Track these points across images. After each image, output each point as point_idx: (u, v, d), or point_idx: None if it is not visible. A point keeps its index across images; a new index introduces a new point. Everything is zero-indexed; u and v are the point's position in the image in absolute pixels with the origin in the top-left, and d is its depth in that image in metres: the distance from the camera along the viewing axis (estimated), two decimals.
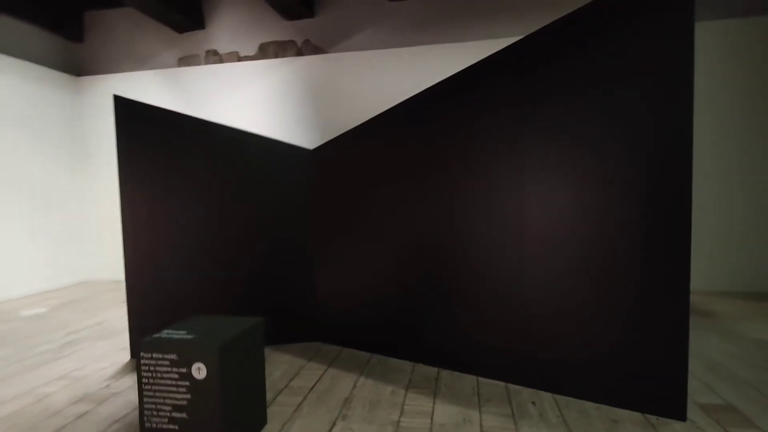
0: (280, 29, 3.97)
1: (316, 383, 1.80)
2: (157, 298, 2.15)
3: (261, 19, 4.00)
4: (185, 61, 4.17)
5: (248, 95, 4.03)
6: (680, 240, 1.40)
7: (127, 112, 2.10)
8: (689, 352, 2.02)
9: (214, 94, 4.09)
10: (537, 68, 1.62)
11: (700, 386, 1.68)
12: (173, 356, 1.22)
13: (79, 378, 1.94)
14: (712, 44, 3.20)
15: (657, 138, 1.42)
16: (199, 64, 4.14)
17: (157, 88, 4.21)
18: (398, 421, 1.47)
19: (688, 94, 1.38)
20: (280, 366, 2.00)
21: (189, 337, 1.27)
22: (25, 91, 3.88)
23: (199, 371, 1.21)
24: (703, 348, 2.09)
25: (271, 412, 1.57)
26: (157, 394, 1.24)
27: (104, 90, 4.33)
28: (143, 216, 2.13)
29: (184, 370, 1.22)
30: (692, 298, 3.07)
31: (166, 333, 1.31)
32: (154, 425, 1.25)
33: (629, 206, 1.48)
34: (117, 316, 3.00)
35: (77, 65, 4.39)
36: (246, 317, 1.47)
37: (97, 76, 4.33)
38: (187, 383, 1.22)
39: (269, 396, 1.70)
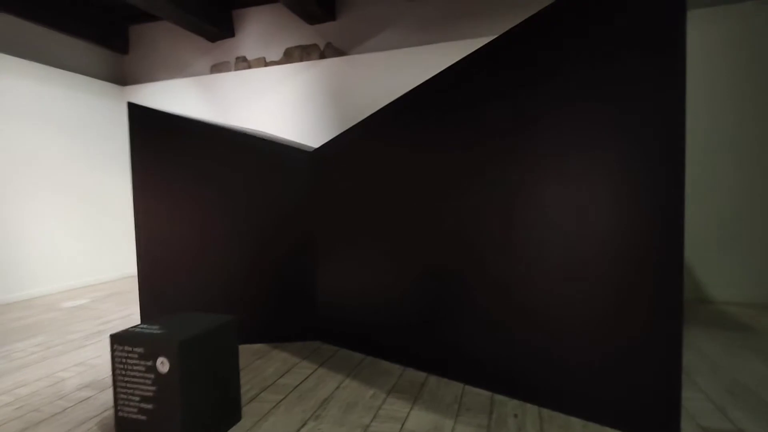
0: (303, 34, 4.06)
1: (302, 382, 1.82)
2: (166, 295, 2.27)
3: (286, 25, 4.11)
4: (217, 68, 4.38)
5: (274, 99, 4.15)
6: (672, 251, 1.27)
7: (141, 118, 2.24)
8: (715, 369, 1.83)
9: (243, 98, 4.26)
10: (543, 60, 1.53)
11: (712, 409, 1.51)
12: (141, 349, 1.28)
13: (94, 365, 2.09)
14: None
15: (648, 138, 1.30)
16: (230, 71, 4.32)
17: (191, 94, 4.45)
18: (368, 425, 1.45)
19: (681, 89, 1.24)
20: (274, 363, 2.04)
21: (158, 331, 1.33)
22: (76, 101, 4.26)
23: (162, 365, 1.26)
24: (732, 366, 1.88)
25: (251, 408, 1.60)
26: (128, 384, 1.31)
27: (145, 98, 4.64)
28: (154, 217, 2.26)
29: (149, 363, 1.28)
30: (734, 309, 2.77)
31: (140, 327, 1.38)
32: (125, 414, 1.32)
33: (620, 214, 1.36)
34: None
35: (123, 75, 4.75)
36: (223, 315, 1.51)
37: (140, 85, 4.66)
38: (153, 376, 1.27)
39: (254, 392, 1.74)
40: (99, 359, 2.17)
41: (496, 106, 1.61)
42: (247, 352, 2.20)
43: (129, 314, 3.06)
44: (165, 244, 2.26)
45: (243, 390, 1.76)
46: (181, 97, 4.49)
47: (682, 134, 1.25)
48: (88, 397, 1.73)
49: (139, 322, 2.85)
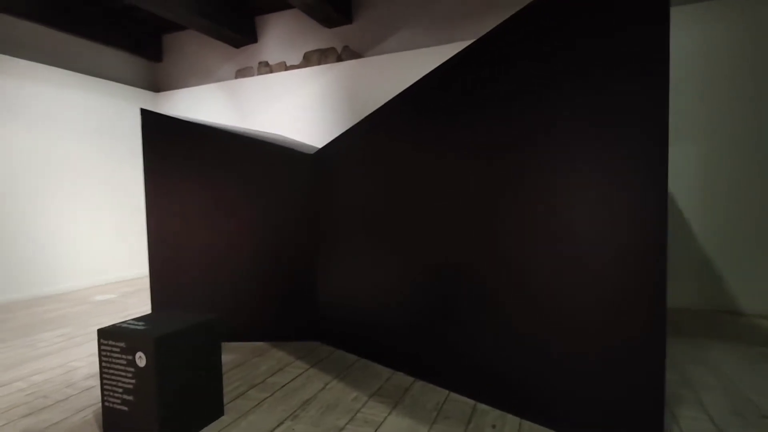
0: (322, 37, 4.12)
1: (290, 381, 1.85)
2: (175, 293, 2.38)
3: (305, 29, 4.19)
4: (241, 73, 4.53)
5: (293, 102, 4.25)
6: (655, 260, 1.19)
7: (152, 123, 2.36)
8: (727, 387, 1.70)
9: (264, 102, 4.39)
10: (555, 54, 1.49)
11: (711, 430, 1.40)
12: (122, 344, 1.35)
13: None
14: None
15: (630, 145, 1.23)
16: (253, 75, 4.46)
17: (218, 99, 4.63)
18: (342, 428, 1.46)
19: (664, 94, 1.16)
20: (269, 361, 2.09)
21: (140, 328, 1.39)
22: (114, 108, 4.54)
23: (140, 359, 1.32)
24: (748, 385, 1.73)
25: (235, 404, 1.65)
26: (113, 377, 1.38)
27: (177, 104, 4.88)
28: (164, 218, 2.37)
29: (130, 357, 1.34)
30: (766, 323, 2.55)
31: (125, 323, 1.46)
32: (110, 404, 1.40)
33: (602, 221, 1.29)
34: None
35: (156, 82, 5.02)
36: (207, 314, 1.57)
37: (172, 91, 4.90)
38: (133, 369, 1.34)
39: (243, 389, 1.79)
40: None
41: (498, 106, 1.57)
42: (246, 349, 2.26)
43: (150, 309, 3.22)
44: (174, 245, 2.37)
45: (233, 386, 1.81)
46: (209, 102, 4.69)
47: (665, 145, 1.18)
48: (92, 387, 1.85)
49: None
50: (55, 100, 4.02)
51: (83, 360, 2.17)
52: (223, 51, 4.62)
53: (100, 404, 1.66)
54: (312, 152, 2.40)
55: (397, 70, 3.76)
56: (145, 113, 2.36)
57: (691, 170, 2.89)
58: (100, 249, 4.32)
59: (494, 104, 1.54)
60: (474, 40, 3.48)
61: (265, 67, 4.42)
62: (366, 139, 2.05)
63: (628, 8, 1.22)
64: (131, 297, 3.68)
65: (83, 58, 4.31)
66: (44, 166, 3.89)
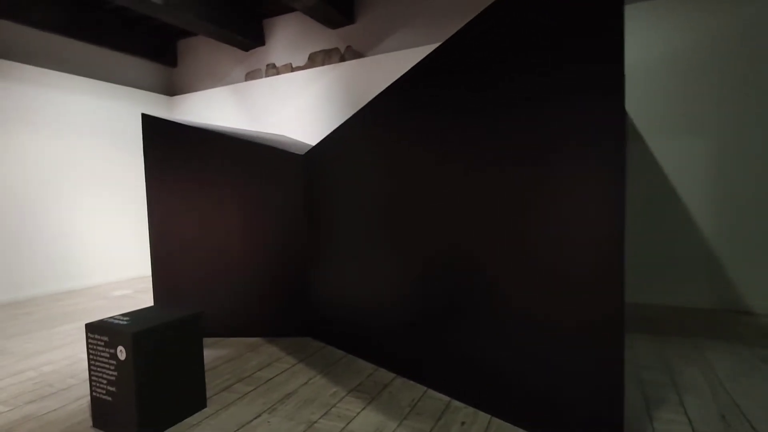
0: (326, 38, 4.18)
1: (276, 376, 1.92)
2: (176, 289, 2.49)
3: (310, 31, 4.26)
4: (251, 75, 4.64)
5: (298, 102, 4.33)
6: (610, 258, 1.17)
7: (153, 127, 2.47)
8: (716, 390, 1.65)
9: (271, 103, 4.49)
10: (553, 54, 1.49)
11: None
12: (106, 338, 1.44)
13: None
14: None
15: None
16: (261, 78, 4.57)
17: (228, 102, 4.77)
18: (315, 422, 1.50)
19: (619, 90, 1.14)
20: (260, 356, 2.16)
21: (122, 323, 1.48)
22: (129, 113, 4.75)
23: (121, 353, 1.41)
24: (740, 388, 1.67)
25: (220, 397, 1.73)
26: (99, 368, 1.48)
27: (191, 107, 5.05)
28: (165, 219, 2.48)
29: (112, 350, 1.43)
30: None
31: (111, 318, 1.55)
32: (97, 394, 1.49)
33: (567, 220, 1.28)
34: None
35: (172, 87, 5.20)
36: (189, 310, 1.64)
37: (186, 95, 5.07)
38: (115, 362, 1.43)
39: (230, 382, 1.86)
40: None
41: (493, 105, 1.58)
42: (240, 344, 2.35)
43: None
44: (174, 244, 2.48)
45: (221, 380, 1.89)
46: (220, 104, 4.83)
47: (622, 146, 1.16)
48: None
49: None
50: (75, 106, 4.24)
51: None
52: (233, 55, 4.74)
53: None
54: (303, 152, 2.45)
55: (399, 69, 3.76)
56: (145, 118, 2.48)
57: (699, 167, 2.79)
58: (118, 247, 4.54)
59: (493, 101, 1.54)
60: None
61: (273, 69, 4.51)
62: (358, 135, 2.08)
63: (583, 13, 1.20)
64: (146, 293, 3.86)
65: (103, 66, 4.52)
66: (69, 170, 4.12)
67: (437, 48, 1.63)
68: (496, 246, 1.46)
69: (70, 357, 2.24)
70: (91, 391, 1.50)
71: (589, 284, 1.23)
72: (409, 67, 3.67)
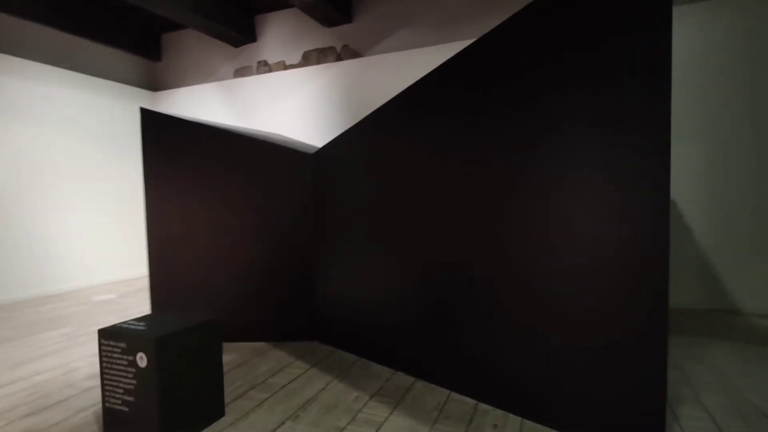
0: (321, 37, 4.12)
1: (290, 382, 1.85)
2: (175, 292, 2.37)
3: (304, 29, 4.19)
4: (240, 72, 4.53)
5: (292, 101, 4.24)
6: (659, 260, 1.19)
7: (152, 122, 2.36)
8: (727, 387, 1.70)
9: (263, 101, 4.38)
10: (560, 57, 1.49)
11: (711, 430, 1.40)
12: (123, 344, 1.35)
13: None
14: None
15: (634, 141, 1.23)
16: (252, 75, 4.46)
17: (216, 99, 4.63)
18: (343, 428, 1.46)
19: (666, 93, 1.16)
20: (269, 362, 2.09)
21: (140, 328, 1.39)
22: (110, 108, 4.54)
23: (141, 360, 1.32)
24: (748, 385, 1.73)
25: (236, 405, 1.65)
26: (113, 377, 1.38)
27: (175, 103, 4.87)
28: (164, 218, 2.37)
29: (131, 357, 1.34)
30: (765, 322, 2.55)
31: (126, 324, 1.46)
32: (111, 405, 1.40)
33: (605, 220, 1.29)
34: None
35: (155, 82, 5.01)
36: (207, 315, 1.57)
37: (170, 90, 4.89)
38: (134, 370, 1.34)
39: (243, 389, 1.79)
40: None
41: (499, 107, 1.58)
42: (246, 349, 2.26)
43: (149, 309, 3.22)
44: (173, 245, 2.37)
45: (233, 387, 1.81)
46: (207, 101, 4.68)
47: (667, 143, 1.18)
48: (93, 387, 1.85)
49: None
50: (53, 98, 4.01)
51: (84, 360, 2.17)
52: (223, 50, 4.61)
53: (100, 404, 1.66)
54: (312, 152, 2.40)
55: (396, 70, 3.75)
56: (144, 112, 2.36)
57: (688, 170, 2.89)
58: (98, 249, 4.32)
59: (495, 105, 1.54)
60: (474, 40, 3.47)
61: (264, 67, 4.41)
62: (366, 139, 2.05)
63: (631, 9, 1.22)
64: (130, 297, 3.68)
65: (81, 57, 4.30)
66: (43, 166, 3.89)
67: (450, 59, 1.62)
68: (526, 244, 1.46)
69: (62, 366, 2.10)
70: (104, 401, 1.41)
71: (630, 285, 1.24)
72: (408, 69, 3.67)
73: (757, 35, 2.73)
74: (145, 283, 4.33)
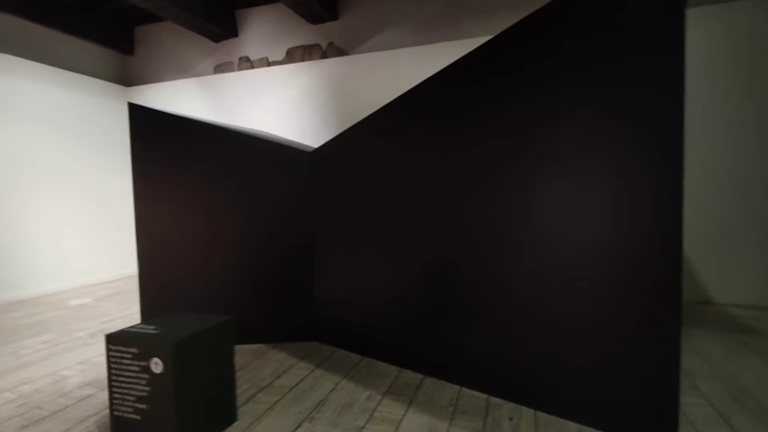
0: (306, 33, 4.06)
1: (298, 383, 1.83)
2: (166, 295, 2.29)
3: (289, 25, 4.12)
4: (221, 68, 4.40)
5: (276, 99, 4.17)
6: (671, 252, 1.25)
7: (141, 118, 2.26)
8: (717, 373, 1.80)
9: (245, 99, 4.28)
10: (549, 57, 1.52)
11: (713, 416, 1.49)
12: (135, 350, 1.30)
13: (96, 364, 2.11)
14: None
15: (647, 139, 1.28)
16: (233, 71, 4.34)
17: (195, 95, 4.48)
18: (362, 427, 1.45)
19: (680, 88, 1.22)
20: (272, 364, 2.05)
21: (153, 332, 1.34)
22: (80, 102, 4.31)
23: (156, 365, 1.27)
24: (734, 370, 1.84)
25: (247, 408, 1.61)
26: (123, 384, 1.32)
27: (149, 99, 4.68)
28: (155, 217, 2.28)
29: (144, 363, 1.29)
30: (737, 311, 2.72)
31: (136, 327, 1.40)
32: (120, 414, 1.33)
33: (618, 215, 1.35)
34: None
35: (128, 76, 4.79)
36: (219, 316, 1.52)
37: (144, 85, 4.69)
38: (147, 376, 1.29)
39: (251, 393, 1.75)
40: (101, 357, 2.20)
41: (496, 107, 1.60)
42: (245, 352, 2.21)
43: (131, 313, 3.09)
44: (165, 244, 2.28)
45: (240, 390, 1.77)
46: (185, 97, 4.52)
47: (680, 137, 1.24)
48: (89, 396, 1.76)
49: (139, 321, 2.88)
50: (17, 92, 3.77)
51: (73, 368, 2.06)
52: (201, 45, 4.47)
53: (102, 413, 1.59)
54: (306, 151, 2.37)
55: (383, 69, 3.75)
56: (133, 107, 2.26)
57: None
58: (71, 252, 4.10)
59: (493, 103, 1.57)
60: (458, 41, 3.52)
61: (246, 63, 4.31)
62: (364, 139, 2.04)
63: None
64: (108, 300, 3.52)
65: (50, 48, 4.06)
66: (8, 165, 3.65)
67: (452, 63, 1.64)
68: (538, 240, 1.50)
69: (50, 375, 1.98)
70: (112, 409, 1.34)
71: (644, 278, 1.30)
72: (396, 68, 3.67)
73: (760, 38, 2.85)
74: (121, 286, 4.15)
